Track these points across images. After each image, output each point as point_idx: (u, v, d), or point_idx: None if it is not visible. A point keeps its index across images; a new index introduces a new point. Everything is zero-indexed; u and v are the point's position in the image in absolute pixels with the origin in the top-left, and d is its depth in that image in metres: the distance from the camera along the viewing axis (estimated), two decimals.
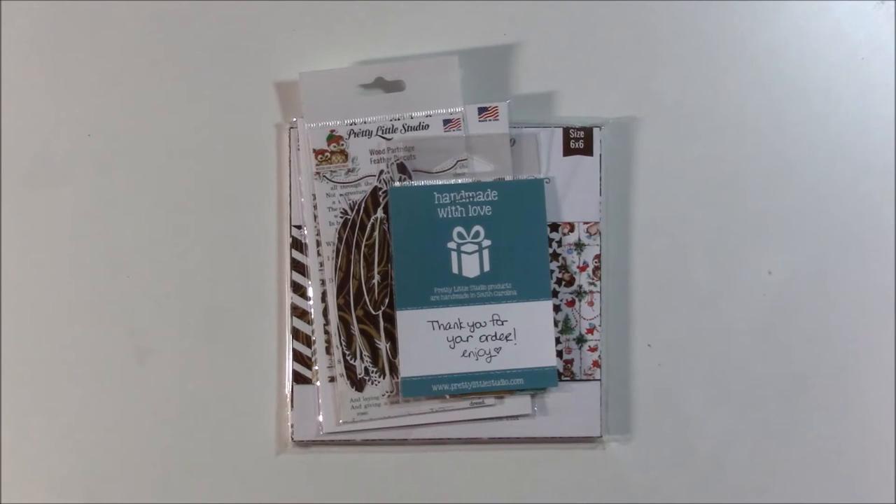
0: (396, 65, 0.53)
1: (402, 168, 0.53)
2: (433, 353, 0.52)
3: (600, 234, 0.53)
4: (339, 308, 0.52)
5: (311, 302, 0.53)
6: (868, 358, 0.55)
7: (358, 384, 0.52)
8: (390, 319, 0.52)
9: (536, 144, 0.53)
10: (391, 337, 0.52)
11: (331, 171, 0.53)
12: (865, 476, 0.54)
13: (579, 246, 0.53)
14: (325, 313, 0.52)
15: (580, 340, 0.53)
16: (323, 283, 0.53)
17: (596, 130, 0.53)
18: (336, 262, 0.52)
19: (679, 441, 0.54)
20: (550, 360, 0.52)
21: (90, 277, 0.54)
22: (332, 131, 0.53)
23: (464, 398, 0.52)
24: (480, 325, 0.52)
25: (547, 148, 0.53)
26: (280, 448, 0.53)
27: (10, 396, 0.53)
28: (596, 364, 0.53)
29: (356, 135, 0.53)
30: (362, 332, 0.52)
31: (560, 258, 0.53)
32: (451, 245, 0.52)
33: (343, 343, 0.52)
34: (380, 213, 0.53)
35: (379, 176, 0.53)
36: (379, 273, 0.52)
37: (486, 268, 0.52)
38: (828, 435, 0.54)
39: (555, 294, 0.53)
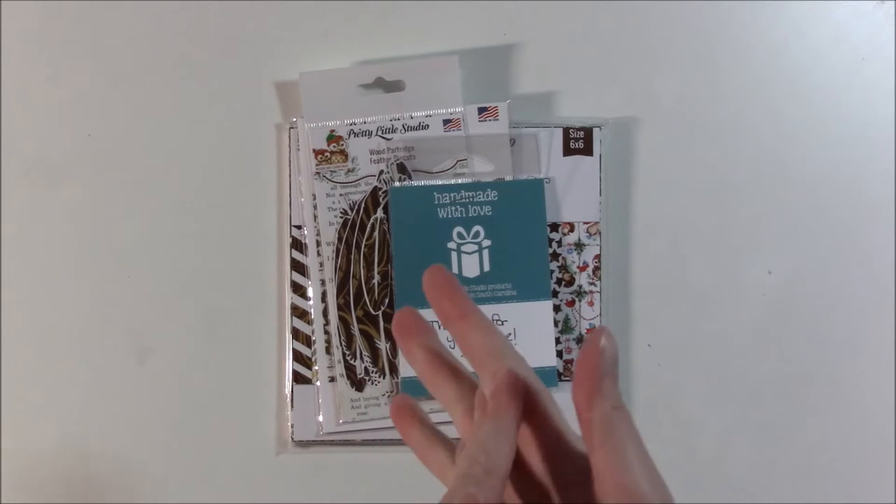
0: (396, 65, 0.53)
1: (402, 168, 0.53)
2: None
3: (600, 234, 0.53)
4: (339, 308, 0.52)
5: (311, 302, 0.53)
6: (868, 358, 0.55)
7: (358, 384, 0.52)
8: (390, 319, 0.52)
9: (536, 144, 0.53)
10: (391, 337, 0.52)
11: (331, 171, 0.53)
12: (865, 476, 0.54)
13: (579, 246, 0.53)
14: (325, 313, 0.52)
15: (580, 340, 0.53)
16: (323, 283, 0.53)
17: (596, 130, 0.53)
18: (336, 262, 0.53)
19: (679, 441, 0.54)
20: (550, 360, 0.52)
21: (90, 277, 0.54)
22: (332, 131, 0.53)
23: None
24: None
25: (547, 148, 0.53)
26: (280, 448, 0.53)
27: (11, 396, 0.53)
28: None
29: (356, 135, 0.53)
30: (362, 332, 0.52)
31: (560, 258, 0.53)
32: (451, 245, 0.52)
33: (343, 343, 0.52)
34: (380, 213, 0.53)
35: (379, 176, 0.53)
36: (379, 273, 0.52)
37: (486, 268, 0.52)
38: (828, 435, 0.54)
39: (555, 294, 0.53)
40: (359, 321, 0.52)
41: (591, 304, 0.53)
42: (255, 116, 0.54)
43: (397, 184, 0.53)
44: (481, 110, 0.53)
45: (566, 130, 0.53)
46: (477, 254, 0.52)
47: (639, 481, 0.27)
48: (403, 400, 0.35)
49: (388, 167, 0.53)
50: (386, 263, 0.52)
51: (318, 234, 0.53)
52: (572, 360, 0.53)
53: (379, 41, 0.54)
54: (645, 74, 0.55)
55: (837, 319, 0.55)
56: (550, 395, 0.32)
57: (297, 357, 0.53)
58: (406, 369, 0.52)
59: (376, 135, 0.53)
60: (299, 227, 0.53)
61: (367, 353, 0.52)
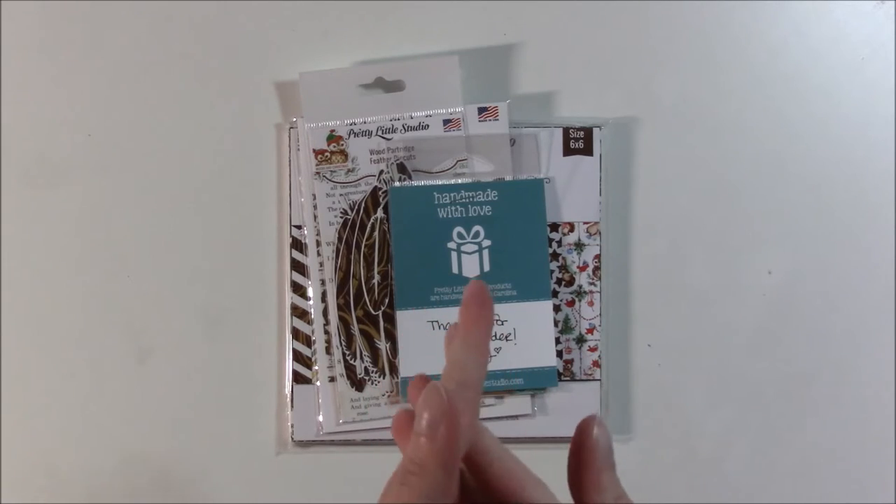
0: (396, 65, 0.53)
1: (402, 168, 0.53)
2: (433, 353, 0.52)
3: (600, 234, 0.53)
4: (339, 308, 0.52)
5: (311, 302, 0.53)
6: (868, 358, 0.55)
7: (358, 384, 0.52)
8: (390, 319, 0.52)
9: (536, 144, 0.53)
10: (391, 337, 0.52)
11: (331, 171, 0.53)
12: (865, 476, 0.54)
13: (579, 246, 0.53)
14: (325, 313, 0.52)
15: (580, 340, 0.53)
16: (323, 283, 0.53)
17: (596, 130, 0.53)
18: (336, 262, 0.52)
19: (679, 441, 0.54)
20: (550, 360, 0.52)
21: (90, 278, 0.54)
22: (332, 131, 0.53)
23: None
24: None
25: (547, 148, 0.53)
26: (280, 448, 0.53)
27: (11, 396, 0.53)
28: (596, 364, 0.53)
29: (356, 135, 0.53)
30: (362, 332, 0.52)
31: (560, 258, 0.53)
32: (451, 245, 0.52)
33: (343, 343, 0.52)
34: (380, 213, 0.53)
35: (379, 176, 0.53)
36: (379, 273, 0.52)
37: (486, 268, 0.52)
38: (828, 435, 0.54)
39: (555, 294, 0.53)
40: (359, 321, 0.52)
41: (591, 304, 0.53)
42: (255, 116, 0.54)
43: (397, 184, 0.53)
44: (481, 110, 0.53)
45: (566, 130, 0.53)
46: (477, 254, 0.52)
47: None
48: (405, 416, 0.33)
49: (388, 167, 0.53)
50: (386, 263, 0.52)
51: (318, 234, 0.53)
52: (572, 360, 0.53)
53: (379, 41, 0.54)
54: (645, 74, 0.55)
55: (837, 319, 0.55)
56: (527, 468, 0.31)
57: (297, 357, 0.53)
58: (406, 369, 0.52)
59: (376, 135, 0.53)
60: (299, 227, 0.53)
61: (367, 353, 0.52)
